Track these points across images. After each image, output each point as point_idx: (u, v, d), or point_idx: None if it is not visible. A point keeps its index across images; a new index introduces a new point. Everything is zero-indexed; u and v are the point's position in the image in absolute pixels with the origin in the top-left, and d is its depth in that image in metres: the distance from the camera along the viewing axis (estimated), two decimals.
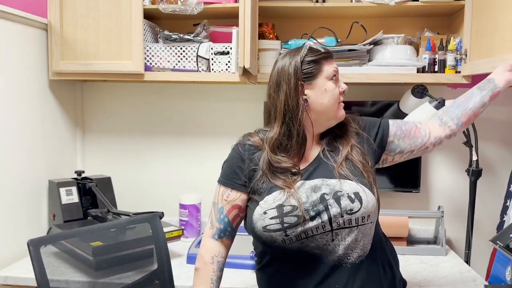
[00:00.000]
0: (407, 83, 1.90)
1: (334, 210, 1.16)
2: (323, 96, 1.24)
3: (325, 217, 1.16)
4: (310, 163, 1.27)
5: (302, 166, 1.26)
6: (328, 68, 1.25)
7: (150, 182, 2.27)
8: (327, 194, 1.18)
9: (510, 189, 1.98)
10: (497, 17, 1.51)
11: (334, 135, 1.30)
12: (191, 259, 1.78)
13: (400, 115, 1.93)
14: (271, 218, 1.18)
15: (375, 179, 1.26)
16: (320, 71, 1.24)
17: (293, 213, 1.16)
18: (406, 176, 2.07)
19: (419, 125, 1.36)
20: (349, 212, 1.17)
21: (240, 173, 1.27)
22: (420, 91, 1.88)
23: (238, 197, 1.28)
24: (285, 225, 1.16)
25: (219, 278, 1.30)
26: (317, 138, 1.30)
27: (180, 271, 1.71)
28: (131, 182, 2.26)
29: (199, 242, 1.92)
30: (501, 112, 2.12)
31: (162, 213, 1.60)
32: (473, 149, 1.88)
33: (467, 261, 1.90)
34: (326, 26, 1.94)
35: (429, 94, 1.88)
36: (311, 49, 1.25)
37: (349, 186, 1.19)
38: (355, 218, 1.17)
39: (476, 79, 1.57)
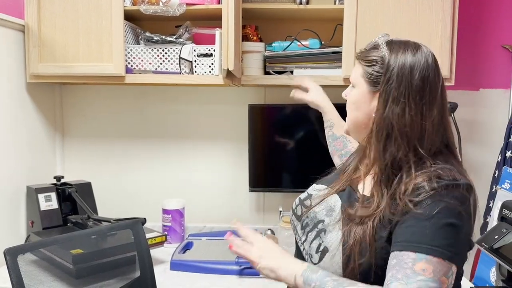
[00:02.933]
0: None
1: (306, 243, 1.05)
2: None
3: (303, 238, 1.08)
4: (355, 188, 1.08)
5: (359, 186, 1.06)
6: None
7: (131, 187, 2.23)
8: (322, 224, 1.03)
9: (493, 190, 2.00)
10: None
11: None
12: (174, 265, 1.75)
13: None
14: (298, 198, 1.16)
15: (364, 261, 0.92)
16: None
17: (304, 208, 1.11)
18: None
19: None
20: (310, 256, 1.03)
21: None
22: None
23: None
24: (295, 211, 1.14)
25: None
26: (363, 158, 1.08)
27: (164, 278, 1.67)
28: (112, 187, 2.22)
29: (183, 248, 1.90)
30: (484, 114, 2.14)
31: (144, 219, 1.57)
32: (457, 150, 1.89)
33: None
34: (310, 28, 1.93)
35: None
36: None
37: (331, 238, 0.98)
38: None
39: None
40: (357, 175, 1.08)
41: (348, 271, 0.93)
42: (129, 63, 1.88)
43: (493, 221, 1.84)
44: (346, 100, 1.08)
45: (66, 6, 1.83)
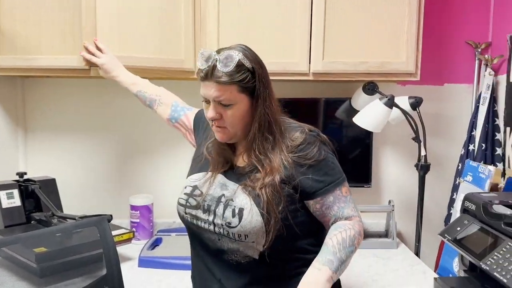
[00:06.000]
0: (359, 80, 1.92)
1: (217, 218, 1.19)
2: None
3: (211, 218, 1.20)
4: (238, 164, 1.26)
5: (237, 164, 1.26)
6: (201, 90, 1.19)
7: (98, 183, 2.18)
8: (223, 197, 1.20)
9: (457, 182, 2.05)
10: None
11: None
12: (143, 262, 1.73)
13: (352, 111, 1.96)
14: (184, 194, 1.28)
15: (284, 207, 1.15)
16: None
17: (197, 197, 1.24)
18: (358, 171, 2.11)
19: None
20: (227, 224, 1.17)
21: (199, 123, 1.44)
22: (370, 88, 1.92)
23: (187, 120, 1.51)
24: (188, 204, 1.25)
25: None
26: (248, 146, 1.23)
27: (132, 275, 1.65)
28: (77, 183, 2.17)
29: (152, 244, 1.88)
30: (448, 108, 2.20)
31: (111, 215, 1.53)
32: (422, 144, 1.94)
33: (417, 253, 1.96)
34: None
35: (379, 91, 1.91)
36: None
37: (241, 200, 1.17)
38: (232, 233, 1.16)
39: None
40: (237, 154, 1.27)
41: (272, 223, 1.13)
42: None
43: (456, 212, 1.89)
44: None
45: None
